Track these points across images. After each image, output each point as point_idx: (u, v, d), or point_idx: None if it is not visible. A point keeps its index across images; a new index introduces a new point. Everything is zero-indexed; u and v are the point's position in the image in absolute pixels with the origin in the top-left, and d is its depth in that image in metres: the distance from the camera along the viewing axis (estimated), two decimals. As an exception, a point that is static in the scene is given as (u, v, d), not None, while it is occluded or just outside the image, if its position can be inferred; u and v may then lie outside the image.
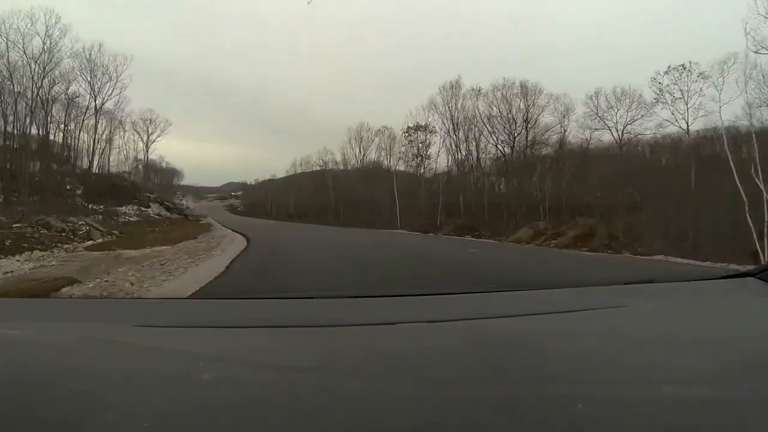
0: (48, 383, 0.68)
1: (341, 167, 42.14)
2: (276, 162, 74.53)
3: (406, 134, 36.01)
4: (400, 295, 1.33)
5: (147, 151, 39.03)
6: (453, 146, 34.33)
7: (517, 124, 30.92)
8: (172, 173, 51.99)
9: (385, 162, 39.03)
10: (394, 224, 29.96)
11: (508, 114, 31.05)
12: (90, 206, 28.43)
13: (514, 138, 30.90)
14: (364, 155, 40.60)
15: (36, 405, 0.61)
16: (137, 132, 37.49)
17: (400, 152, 37.17)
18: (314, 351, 0.86)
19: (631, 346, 0.89)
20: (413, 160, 36.28)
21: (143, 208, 33.09)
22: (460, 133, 33.60)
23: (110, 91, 32.23)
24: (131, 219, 29.12)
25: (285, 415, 0.60)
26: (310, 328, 1.00)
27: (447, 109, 34.05)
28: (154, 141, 38.44)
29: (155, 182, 47.70)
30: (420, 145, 35.55)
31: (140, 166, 39.09)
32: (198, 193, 71.13)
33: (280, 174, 50.04)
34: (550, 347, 0.90)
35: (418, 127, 35.50)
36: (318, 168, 44.13)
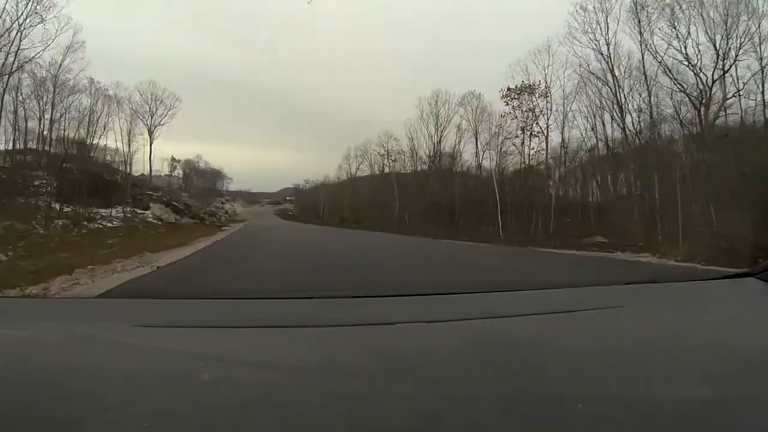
0: (48, 383, 0.68)
1: (406, 156, 30.70)
2: (331, 162, 65.78)
3: (506, 99, 23.78)
4: (400, 295, 1.32)
5: (151, 136, 27.40)
6: (616, 100, 18.67)
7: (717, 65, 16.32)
8: (214, 175, 44.56)
9: (469, 145, 27.21)
10: (490, 234, 18.45)
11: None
12: (62, 208, 20.19)
13: (709, 90, 17.05)
14: (441, 137, 28.01)
15: (36, 405, 0.62)
16: (136, 112, 26.28)
17: (496, 128, 25.05)
18: (314, 351, 0.86)
19: (631, 346, 0.90)
20: (516, 137, 24.02)
21: (140, 210, 24.53)
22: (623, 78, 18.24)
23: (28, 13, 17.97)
24: (108, 225, 20.64)
25: (285, 415, 0.61)
26: (310, 328, 1.00)
27: (594, 37, 18.78)
28: (159, 123, 27.46)
29: (194, 183, 40.10)
30: (529, 113, 23.18)
31: (136, 159, 28.35)
32: (254, 198, 69.82)
33: (334, 174, 40.74)
34: (550, 347, 0.89)
35: (523, 89, 23.29)
36: (378, 156, 32.88)
